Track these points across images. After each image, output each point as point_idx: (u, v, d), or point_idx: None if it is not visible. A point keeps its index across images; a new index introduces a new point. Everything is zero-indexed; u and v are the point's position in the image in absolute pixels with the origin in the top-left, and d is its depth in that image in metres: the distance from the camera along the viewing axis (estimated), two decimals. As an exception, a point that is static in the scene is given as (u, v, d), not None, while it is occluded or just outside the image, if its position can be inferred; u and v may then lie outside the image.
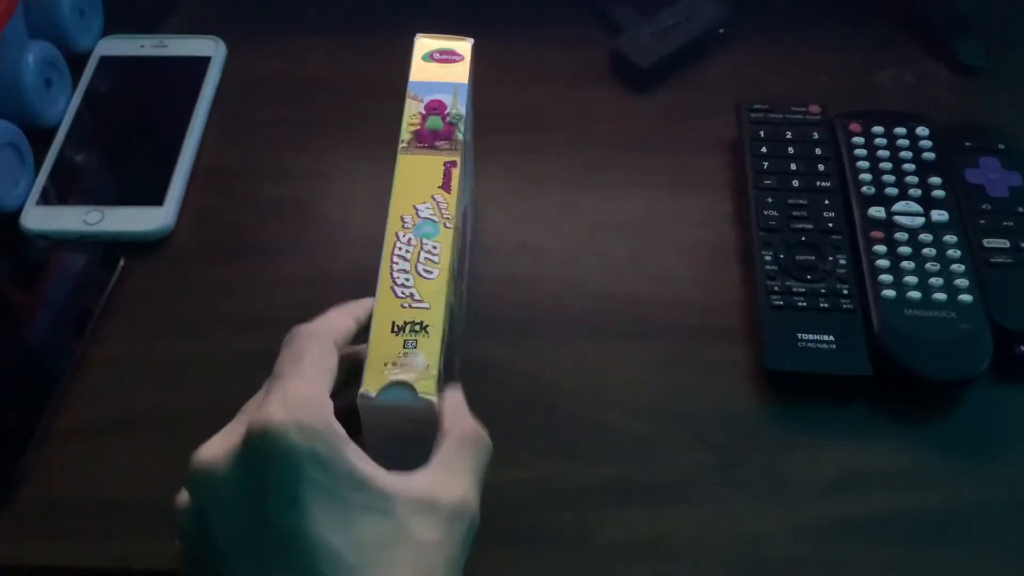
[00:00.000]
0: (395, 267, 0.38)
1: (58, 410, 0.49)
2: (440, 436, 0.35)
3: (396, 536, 0.31)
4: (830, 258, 0.51)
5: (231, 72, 0.64)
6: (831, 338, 0.48)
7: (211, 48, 0.64)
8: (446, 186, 0.40)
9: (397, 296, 0.37)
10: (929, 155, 0.55)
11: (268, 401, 0.31)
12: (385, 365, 0.35)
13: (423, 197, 0.40)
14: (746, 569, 0.44)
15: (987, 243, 0.51)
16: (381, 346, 0.36)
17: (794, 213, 0.53)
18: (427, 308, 0.37)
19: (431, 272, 0.38)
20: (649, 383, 0.50)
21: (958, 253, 0.50)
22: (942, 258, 0.50)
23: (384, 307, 0.37)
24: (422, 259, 0.38)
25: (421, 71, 0.45)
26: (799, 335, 0.48)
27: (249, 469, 0.31)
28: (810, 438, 0.48)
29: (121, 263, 0.54)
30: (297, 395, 0.32)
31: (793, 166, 0.55)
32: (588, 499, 0.46)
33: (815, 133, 0.56)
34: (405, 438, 0.36)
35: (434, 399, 0.35)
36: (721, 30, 0.65)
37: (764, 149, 0.56)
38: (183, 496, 0.34)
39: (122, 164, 0.59)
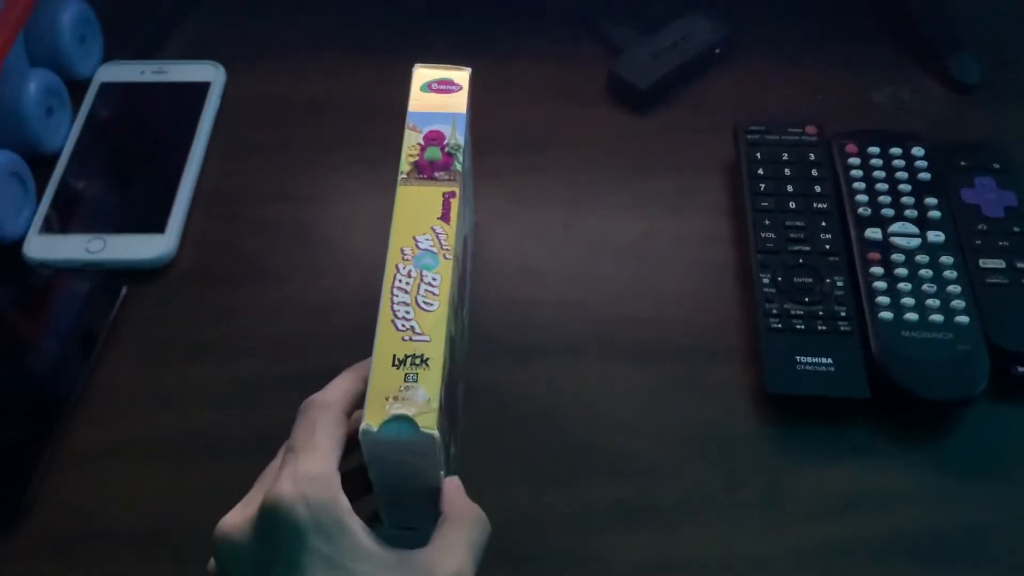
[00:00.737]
0: (395, 299, 0.38)
1: (64, 436, 0.49)
2: (441, 519, 0.37)
3: None
4: (827, 280, 0.51)
5: (231, 96, 0.64)
6: (830, 361, 0.48)
7: (211, 73, 0.64)
8: (445, 217, 0.41)
9: (397, 329, 0.37)
10: (925, 175, 0.55)
11: (281, 476, 0.35)
12: (386, 399, 0.35)
13: (423, 228, 0.40)
14: (748, 591, 0.44)
15: (983, 264, 0.52)
16: (382, 380, 0.36)
17: (791, 235, 0.53)
18: (427, 341, 0.37)
19: (431, 304, 0.38)
20: (651, 405, 0.50)
21: (954, 274, 0.51)
22: (939, 279, 0.51)
23: (384, 340, 0.37)
24: (422, 291, 0.38)
25: (419, 101, 0.45)
26: (798, 358, 0.48)
27: (262, 538, 0.35)
28: (811, 460, 0.48)
29: (124, 291, 0.54)
30: (306, 472, 0.35)
31: (790, 187, 0.55)
32: (590, 522, 0.46)
33: (812, 154, 0.57)
34: (407, 471, 0.36)
35: (435, 433, 0.35)
36: (718, 50, 0.65)
37: (761, 171, 0.56)
38: (211, 563, 0.38)
39: (123, 191, 0.59)
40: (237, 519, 0.36)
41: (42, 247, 0.56)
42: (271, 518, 0.34)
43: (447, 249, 0.40)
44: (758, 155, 0.57)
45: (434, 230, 0.40)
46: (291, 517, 0.33)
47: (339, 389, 0.38)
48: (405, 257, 0.39)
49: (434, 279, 0.39)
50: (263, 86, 0.65)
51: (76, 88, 0.63)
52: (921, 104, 0.63)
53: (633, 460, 0.48)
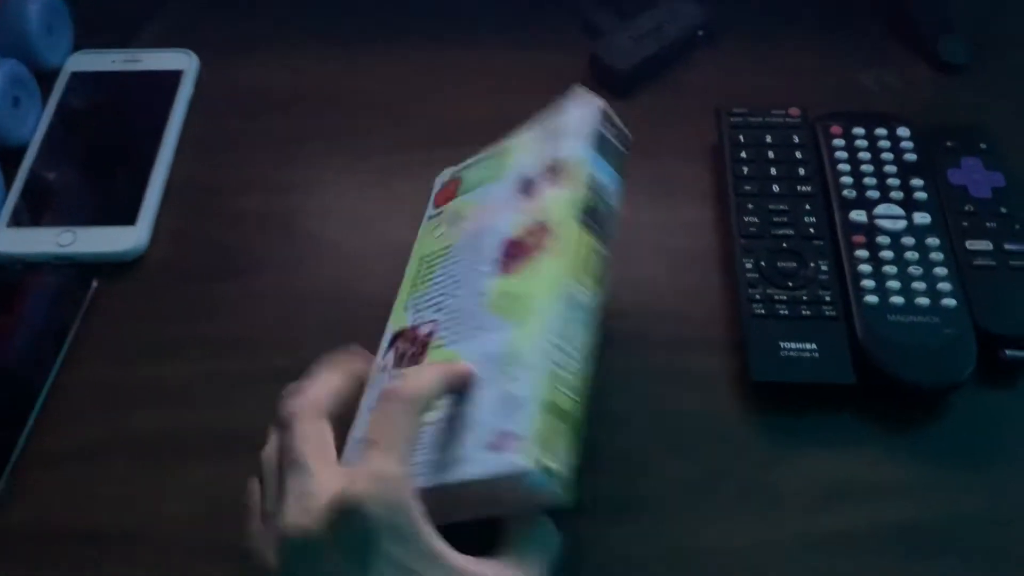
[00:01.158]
0: (559, 351, 0.39)
1: (34, 433, 0.48)
2: (512, 522, 0.38)
3: None
4: (811, 264, 0.50)
5: (204, 85, 0.63)
6: (814, 346, 0.47)
7: (184, 61, 0.63)
8: (599, 277, 0.42)
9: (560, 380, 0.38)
10: (911, 156, 0.54)
11: (360, 473, 0.34)
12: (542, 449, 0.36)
13: (583, 276, 0.41)
14: (734, 581, 0.44)
15: (970, 245, 0.51)
16: (544, 426, 0.37)
17: (775, 219, 0.52)
18: (577, 401, 0.39)
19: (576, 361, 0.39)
20: (634, 394, 0.49)
21: (941, 256, 0.50)
22: (925, 262, 0.50)
23: (551, 385, 0.38)
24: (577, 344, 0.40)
25: (592, 137, 0.45)
26: (782, 344, 0.48)
27: (334, 537, 0.34)
28: (796, 448, 0.47)
29: (94, 284, 0.53)
30: (384, 471, 0.35)
31: (773, 171, 0.54)
32: (572, 514, 0.45)
33: (795, 136, 0.56)
34: (492, 504, 0.38)
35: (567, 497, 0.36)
36: (700, 32, 0.64)
37: (744, 154, 0.55)
38: (271, 560, 0.36)
39: (94, 183, 0.58)
40: (306, 517, 0.35)
41: (11, 241, 0.55)
42: (344, 518, 0.34)
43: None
44: (741, 138, 0.56)
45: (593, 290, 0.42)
46: (366, 517, 0.33)
47: (410, 386, 0.37)
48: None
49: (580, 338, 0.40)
50: (237, 75, 0.64)
51: (46, 78, 0.62)
52: (907, 86, 0.62)
53: (617, 450, 0.47)
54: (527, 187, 0.45)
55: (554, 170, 0.43)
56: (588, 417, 0.48)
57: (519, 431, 0.36)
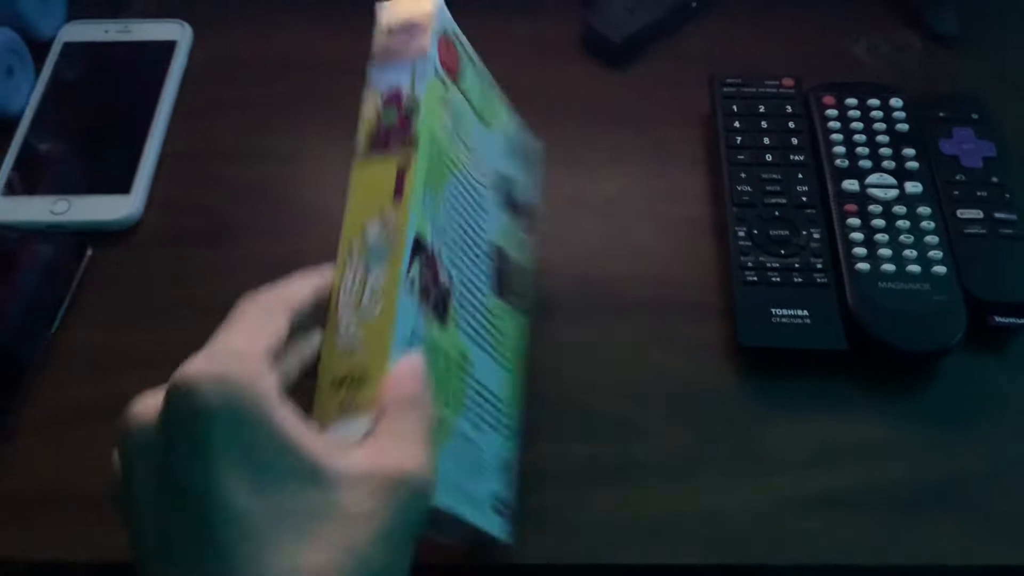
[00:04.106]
0: (340, 305, 0.33)
1: (28, 400, 0.48)
2: (382, 404, 0.32)
3: (321, 507, 0.29)
4: (804, 232, 0.51)
5: (197, 55, 0.63)
6: (805, 313, 0.48)
7: (177, 32, 0.63)
8: (397, 197, 0.34)
9: (338, 347, 0.32)
10: (903, 126, 0.54)
11: (194, 355, 0.29)
12: (323, 426, 0.31)
13: (373, 216, 0.33)
14: (726, 545, 0.44)
15: (961, 214, 0.51)
16: (324, 405, 0.32)
17: (768, 188, 0.52)
18: (364, 357, 0.32)
19: (372, 311, 0.32)
20: (625, 361, 0.49)
21: (932, 225, 0.50)
22: (916, 230, 0.50)
23: (327, 356, 0.32)
24: (367, 296, 0.32)
25: (382, 52, 0.37)
26: (773, 310, 0.48)
27: (165, 424, 0.29)
28: (787, 413, 0.48)
29: (88, 253, 0.53)
30: (224, 348, 0.30)
31: (767, 140, 0.54)
32: (566, 479, 0.46)
33: (788, 107, 0.56)
34: None
35: None
36: (694, 3, 0.64)
37: (737, 124, 0.55)
38: (115, 459, 0.32)
39: (88, 152, 0.58)
40: (143, 403, 0.30)
41: (5, 209, 0.55)
42: (176, 401, 0.28)
43: (394, 238, 0.33)
44: (734, 108, 0.56)
45: (383, 216, 0.33)
46: (199, 399, 0.28)
47: (282, 286, 0.34)
48: (352, 254, 0.34)
49: (378, 279, 0.33)
50: (230, 45, 0.64)
51: (39, 48, 0.62)
52: (899, 56, 0.62)
53: (607, 416, 0.48)
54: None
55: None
56: (581, 382, 0.49)
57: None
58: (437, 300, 0.35)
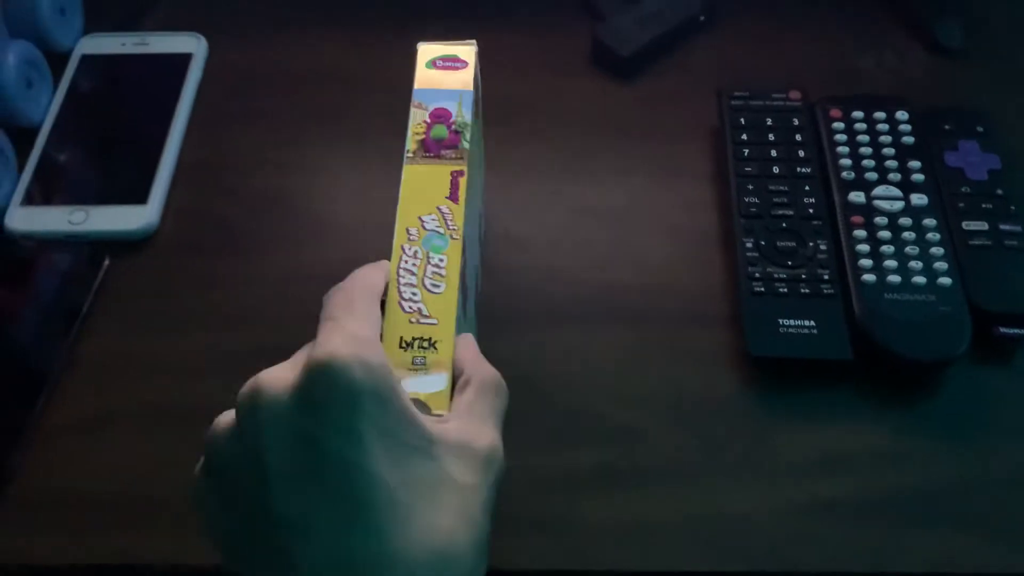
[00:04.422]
0: (401, 281, 0.38)
1: (47, 408, 0.49)
2: (461, 383, 0.35)
3: (440, 478, 0.32)
4: (810, 244, 0.51)
5: (213, 68, 0.64)
6: (812, 323, 0.48)
7: (192, 44, 0.64)
8: (453, 196, 0.40)
9: (405, 311, 0.37)
10: (909, 139, 0.55)
11: (329, 337, 0.31)
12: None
13: (429, 208, 0.39)
14: (732, 552, 0.45)
15: (966, 226, 0.52)
16: (391, 362, 0.35)
17: (775, 199, 0.53)
18: (435, 324, 0.36)
19: (438, 286, 0.37)
20: (633, 370, 0.50)
21: (937, 236, 0.51)
22: (921, 242, 0.51)
23: (392, 322, 0.36)
24: (429, 273, 0.38)
25: (425, 79, 0.44)
26: (780, 321, 0.49)
27: (310, 401, 0.30)
28: (793, 422, 0.48)
29: (106, 262, 0.54)
30: (356, 334, 0.32)
31: (774, 152, 0.55)
32: (574, 486, 0.46)
33: (795, 119, 0.56)
34: None
35: (446, 414, 0.35)
36: (702, 17, 0.65)
37: (745, 136, 0.56)
38: (226, 418, 0.33)
39: (105, 163, 0.59)
40: (281, 380, 0.31)
41: (24, 219, 0.56)
42: (322, 379, 0.30)
43: (454, 229, 0.39)
44: (742, 120, 0.57)
45: (440, 210, 0.39)
46: (346, 378, 0.30)
47: (368, 274, 0.37)
48: (411, 238, 0.39)
49: (441, 260, 0.38)
50: (245, 58, 0.65)
51: (56, 60, 0.62)
52: (905, 69, 0.63)
53: (616, 424, 0.48)
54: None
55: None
56: (588, 389, 0.50)
57: None
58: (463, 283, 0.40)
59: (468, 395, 0.35)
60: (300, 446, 0.30)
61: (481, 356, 0.37)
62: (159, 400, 0.50)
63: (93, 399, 0.50)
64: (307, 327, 0.51)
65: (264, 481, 0.31)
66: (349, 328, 0.32)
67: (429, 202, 0.40)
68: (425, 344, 0.36)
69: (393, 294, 0.37)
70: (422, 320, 0.36)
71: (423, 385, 0.35)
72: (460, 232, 0.39)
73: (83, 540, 0.45)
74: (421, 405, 0.34)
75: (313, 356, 0.31)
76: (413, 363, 0.36)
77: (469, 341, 0.38)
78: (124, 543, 0.45)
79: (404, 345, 0.36)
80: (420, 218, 0.39)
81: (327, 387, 0.30)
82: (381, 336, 0.36)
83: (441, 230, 0.39)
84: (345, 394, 0.30)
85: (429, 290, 0.37)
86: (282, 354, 0.51)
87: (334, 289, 0.36)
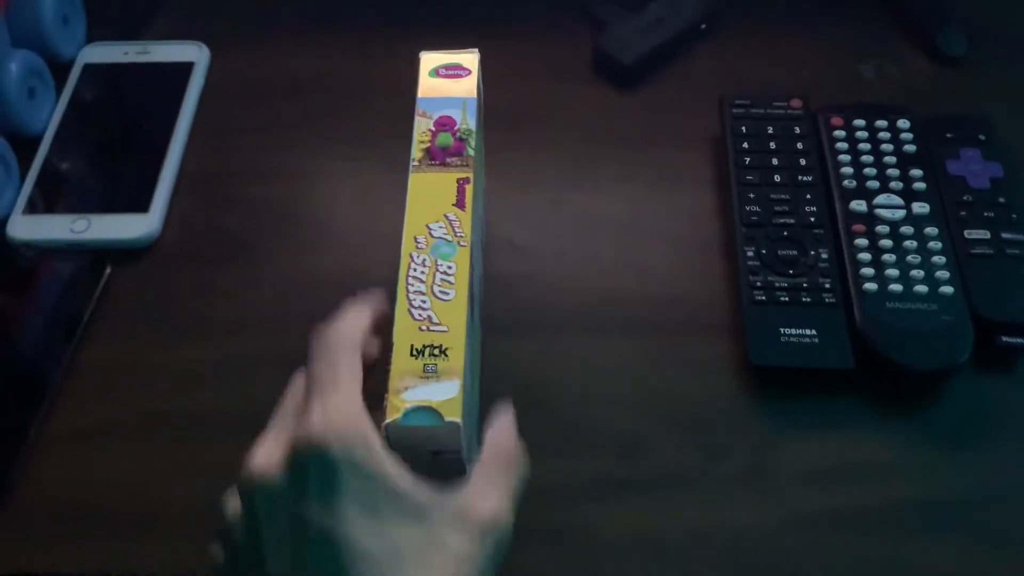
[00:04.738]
0: (411, 289, 0.38)
1: (48, 416, 0.49)
2: (481, 452, 0.37)
3: (429, 544, 0.33)
4: (812, 252, 0.51)
5: (215, 76, 0.64)
6: (814, 332, 0.48)
7: (194, 53, 0.64)
8: (460, 203, 0.40)
9: (414, 319, 0.37)
10: (910, 147, 0.55)
11: (310, 412, 0.34)
12: (406, 388, 0.35)
13: (436, 216, 0.40)
14: (734, 562, 0.44)
15: (968, 234, 0.52)
16: (401, 369, 0.35)
17: (776, 208, 0.53)
18: (446, 331, 0.36)
19: (447, 293, 0.37)
20: (636, 379, 0.50)
21: (939, 245, 0.51)
22: (923, 250, 0.50)
23: (402, 330, 0.37)
24: (438, 280, 0.38)
25: (428, 87, 0.44)
26: (782, 330, 0.48)
27: (294, 476, 0.33)
28: (796, 431, 0.48)
29: (108, 271, 0.54)
30: (336, 408, 0.34)
31: (775, 161, 0.55)
32: (577, 496, 0.46)
33: (797, 127, 0.56)
34: (429, 462, 0.36)
35: (459, 421, 0.35)
36: (704, 25, 0.65)
37: (746, 144, 0.56)
38: (235, 501, 0.36)
39: (107, 171, 0.59)
40: (264, 459, 0.34)
41: (26, 228, 0.56)
42: (303, 458, 0.33)
43: (462, 236, 0.39)
44: (743, 129, 0.57)
45: (448, 217, 0.40)
46: (325, 456, 0.32)
47: (352, 323, 0.37)
48: (419, 246, 0.39)
49: (450, 267, 0.38)
50: (247, 66, 0.65)
51: (59, 69, 0.63)
52: (907, 77, 0.63)
53: (618, 433, 0.48)
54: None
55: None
56: (590, 399, 0.50)
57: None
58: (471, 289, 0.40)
59: (482, 464, 0.36)
60: (289, 520, 0.33)
61: (509, 427, 0.38)
62: (160, 408, 0.50)
63: (95, 407, 0.50)
64: (309, 335, 0.52)
65: (258, 554, 0.34)
66: (330, 402, 0.34)
67: (436, 210, 0.40)
68: (436, 351, 0.36)
69: (402, 302, 0.37)
70: (432, 328, 0.37)
71: (435, 393, 0.35)
72: (468, 239, 0.39)
73: (84, 548, 0.46)
74: (433, 413, 0.34)
75: (295, 435, 0.33)
76: (424, 371, 0.35)
77: (508, 417, 0.38)
78: (125, 551, 0.45)
79: (415, 353, 0.36)
80: (428, 226, 0.39)
81: (307, 465, 0.33)
82: (391, 346, 0.36)
83: (449, 237, 0.39)
84: (323, 470, 0.32)
85: (438, 297, 0.37)
86: (283, 361, 0.51)
87: (318, 345, 0.37)
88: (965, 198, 0.53)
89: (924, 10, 0.65)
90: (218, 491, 0.46)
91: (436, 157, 0.42)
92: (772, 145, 0.56)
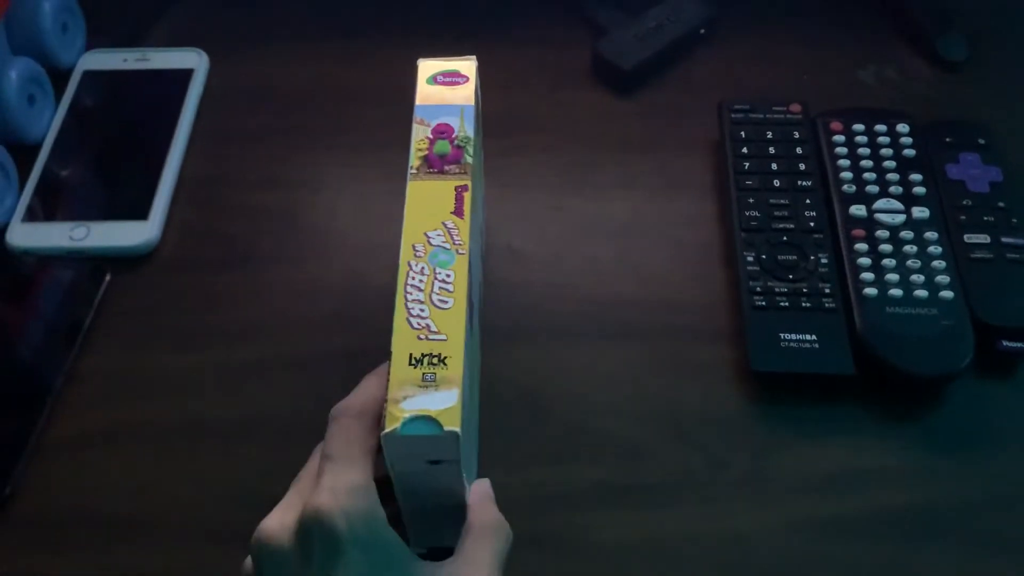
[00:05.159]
0: (409, 297, 0.37)
1: (48, 424, 0.49)
2: (466, 527, 0.38)
3: None
4: (812, 257, 0.51)
5: (214, 83, 0.64)
6: (814, 337, 0.48)
7: (194, 60, 0.64)
8: (458, 211, 0.40)
9: (413, 328, 0.37)
10: (910, 152, 0.55)
11: (319, 486, 0.35)
12: (404, 398, 0.35)
13: (434, 224, 0.39)
14: (735, 569, 0.44)
15: (968, 239, 0.51)
16: (400, 379, 0.35)
17: (776, 213, 0.53)
18: (444, 339, 0.36)
19: (446, 302, 0.37)
20: (635, 385, 0.50)
21: (939, 249, 0.51)
22: (923, 255, 0.50)
23: (400, 339, 0.36)
24: (436, 289, 0.38)
25: (426, 95, 0.44)
26: (782, 335, 0.48)
27: (302, 546, 0.35)
28: (796, 437, 0.48)
29: (107, 278, 0.54)
30: (345, 483, 0.35)
31: (774, 166, 0.55)
32: (576, 503, 0.46)
33: (796, 132, 0.56)
34: (428, 473, 0.36)
35: (458, 431, 0.34)
36: (703, 30, 0.65)
37: (745, 149, 0.56)
38: (248, 564, 0.38)
39: (107, 179, 0.59)
40: (276, 525, 0.36)
41: (25, 235, 0.56)
42: (310, 529, 0.35)
43: (460, 244, 0.39)
44: (742, 134, 0.57)
45: (446, 225, 0.39)
46: (330, 529, 0.34)
47: (367, 395, 0.38)
48: (418, 254, 0.39)
49: (448, 276, 0.38)
50: (246, 73, 0.65)
51: (59, 76, 0.63)
52: (907, 82, 0.63)
53: (618, 440, 0.48)
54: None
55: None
56: (590, 406, 0.49)
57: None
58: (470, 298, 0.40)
59: (469, 539, 0.38)
60: None
61: (490, 499, 0.40)
62: (160, 415, 0.50)
63: (94, 415, 0.50)
64: (308, 342, 0.52)
65: None
66: (341, 478, 0.35)
67: (434, 217, 0.40)
68: (435, 360, 0.36)
69: (401, 311, 0.37)
70: (431, 336, 0.36)
71: (433, 402, 0.35)
72: (466, 247, 0.39)
73: (85, 554, 0.45)
74: (433, 422, 0.34)
75: (305, 507, 0.35)
76: (423, 380, 0.35)
77: (482, 484, 0.40)
78: (125, 557, 0.45)
79: (413, 362, 0.36)
80: (426, 234, 0.39)
81: (313, 536, 0.35)
82: (390, 355, 0.36)
83: (447, 245, 0.39)
84: (329, 544, 0.34)
85: (437, 306, 0.37)
86: (281, 368, 0.51)
87: (338, 418, 0.38)
88: (965, 202, 0.53)
89: (924, 15, 0.65)
90: (217, 496, 0.47)
91: (434, 165, 0.41)
92: (771, 150, 0.56)
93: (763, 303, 0.50)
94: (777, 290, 0.50)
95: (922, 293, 0.49)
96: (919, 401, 0.49)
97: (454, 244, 0.39)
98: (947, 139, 0.56)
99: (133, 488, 0.47)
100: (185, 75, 0.63)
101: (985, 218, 0.52)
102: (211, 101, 0.63)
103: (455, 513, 0.39)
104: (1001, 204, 0.53)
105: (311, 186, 0.59)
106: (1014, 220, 0.52)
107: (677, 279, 0.54)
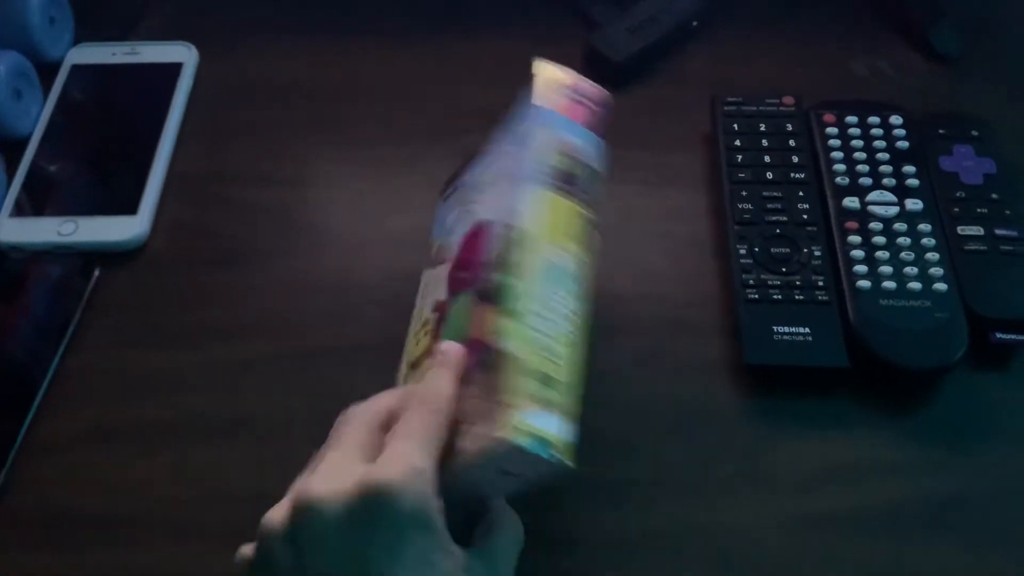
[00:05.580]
0: (547, 303, 0.37)
1: (36, 421, 0.49)
2: (488, 520, 0.39)
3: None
4: (805, 250, 0.51)
5: (204, 78, 0.63)
6: (807, 330, 0.48)
7: (183, 54, 0.64)
8: (586, 244, 0.40)
9: (539, 340, 0.36)
10: (903, 144, 0.55)
11: (391, 461, 0.35)
12: (522, 409, 0.35)
13: (567, 245, 0.39)
14: (729, 564, 0.44)
15: (961, 231, 0.51)
16: (515, 386, 0.35)
17: (769, 206, 0.53)
18: (562, 364, 0.37)
19: (571, 330, 0.38)
20: (629, 379, 0.50)
21: (932, 242, 0.50)
22: (916, 247, 0.50)
23: (524, 344, 0.36)
24: (567, 312, 0.38)
25: (555, 102, 0.43)
26: (775, 328, 0.48)
27: (360, 518, 0.34)
28: (790, 431, 0.48)
29: (96, 273, 0.53)
30: (413, 464, 0.35)
31: (767, 158, 0.55)
32: (569, 498, 0.46)
33: (789, 125, 0.56)
34: (493, 478, 0.37)
35: (572, 464, 0.35)
36: (696, 23, 0.64)
37: (738, 142, 0.56)
38: (276, 520, 0.36)
39: (95, 173, 0.59)
40: (328, 492, 0.35)
41: (13, 231, 0.55)
42: (375, 502, 0.34)
43: (582, 276, 0.39)
44: (735, 127, 0.56)
45: (571, 248, 0.40)
46: (398, 505, 0.34)
47: (441, 390, 0.38)
48: (558, 264, 0.39)
49: (576, 311, 0.38)
50: (236, 67, 0.64)
51: (47, 71, 0.62)
52: (900, 75, 0.63)
53: (611, 434, 0.48)
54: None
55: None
56: (584, 400, 0.49)
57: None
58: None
59: (495, 532, 0.39)
60: (346, 557, 0.34)
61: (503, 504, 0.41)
62: (149, 413, 0.49)
63: (83, 412, 0.49)
64: (299, 339, 0.51)
65: None
66: (411, 459, 0.35)
67: (567, 237, 0.39)
68: (550, 381, 0.36)
69: (529, 312, 0.37)
70: (552, 357, 0.36)
71: (550, 424, 0.35)
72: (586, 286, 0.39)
73: (73, 556, 0.45)
74: (549, 445, 0.35)
75: (372, 479, 0.34)
76: (537, 395, 0.35)
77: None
78: (114, 558, 0.45)
79: (531, 374, 0.36)
80: (564, 249, 0.39)
81: (378, 510, 0.34)
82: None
83: (571, 268, 0.39)
84: (393, 519, 0.34)
85: (562, 328, 0.37)
86: (271, 365, 0.51)
87: (417, 407, 0.37)
88: (958, 194, 0.53)
89: (917, 7, 0.64)
90: (206, 494, 0.46)
91: (566, 182, 0.41)
92: (764, 143, 0.56)
93: (756, 296, 0.49)
94: (770, 283, 0.50)
95: (916, 285, 0.49)
96: (913, 394, 0.49)
97: (579, 269, 0.39)
98: (940, 131, 0.56)
99: (121, 486, 0.47)
100: (174, 69, 0.63)
101: (979, 210, 0.52)
102: (200, 95, 0.63)
103: (472, 508, 0.39)
104: (995, 196, 0.53)
105: (302, 181, 0.59)
106: (1007, 212, 0.52)
107: (670, 273, 0.54)
